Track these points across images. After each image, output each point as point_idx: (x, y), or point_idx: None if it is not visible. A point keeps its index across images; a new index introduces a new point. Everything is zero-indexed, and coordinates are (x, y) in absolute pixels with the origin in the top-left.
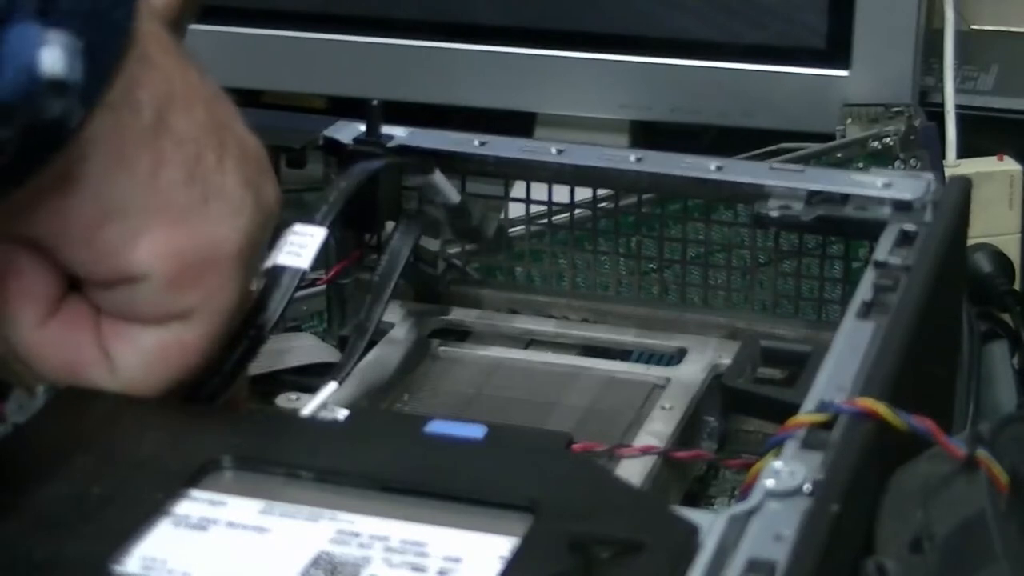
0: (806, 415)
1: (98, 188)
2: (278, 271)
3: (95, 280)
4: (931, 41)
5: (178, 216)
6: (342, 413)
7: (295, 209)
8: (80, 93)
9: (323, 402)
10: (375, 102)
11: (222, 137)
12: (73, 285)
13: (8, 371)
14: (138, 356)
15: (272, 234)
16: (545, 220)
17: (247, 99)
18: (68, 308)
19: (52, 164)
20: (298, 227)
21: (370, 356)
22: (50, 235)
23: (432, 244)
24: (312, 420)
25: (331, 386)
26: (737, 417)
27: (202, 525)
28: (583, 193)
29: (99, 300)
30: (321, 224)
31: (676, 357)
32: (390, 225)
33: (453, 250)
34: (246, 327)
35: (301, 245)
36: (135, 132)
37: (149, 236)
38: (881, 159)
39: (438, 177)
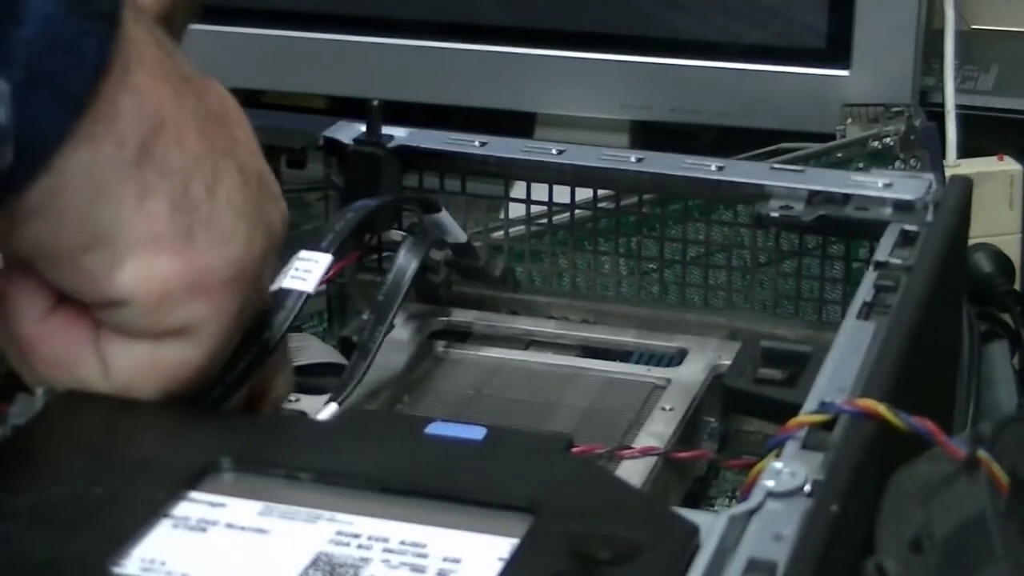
0: (807, 415)
1: (80, 216)
2: (283, 294)
3: (81, 300)
4: (931, 41)
5: (163, 245)
6: None
7: (296, 209)
8: (11, 136)
9: None
10: (376, 102)
11: (216, 164)
12: None
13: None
14: (131, 364)
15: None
16: (545, 220)
17: (247, 99)
18: (68, 308)
19: (29, 191)
20: (304, 253)
21: None
22: (34, 257)
23: (436, 254)
24: (311, 421)
25: (331, 407)
26: (738, 418)
27: (201, 527)
28: (583, 193)
29: (94, 312)
30: (326, 251)
31: (676, 358)
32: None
33: None
34: (249, 344)
35: (307, 270)
36: (118, 165)
37: (132, 263)
38: (881, 159)
39: (444, 216)
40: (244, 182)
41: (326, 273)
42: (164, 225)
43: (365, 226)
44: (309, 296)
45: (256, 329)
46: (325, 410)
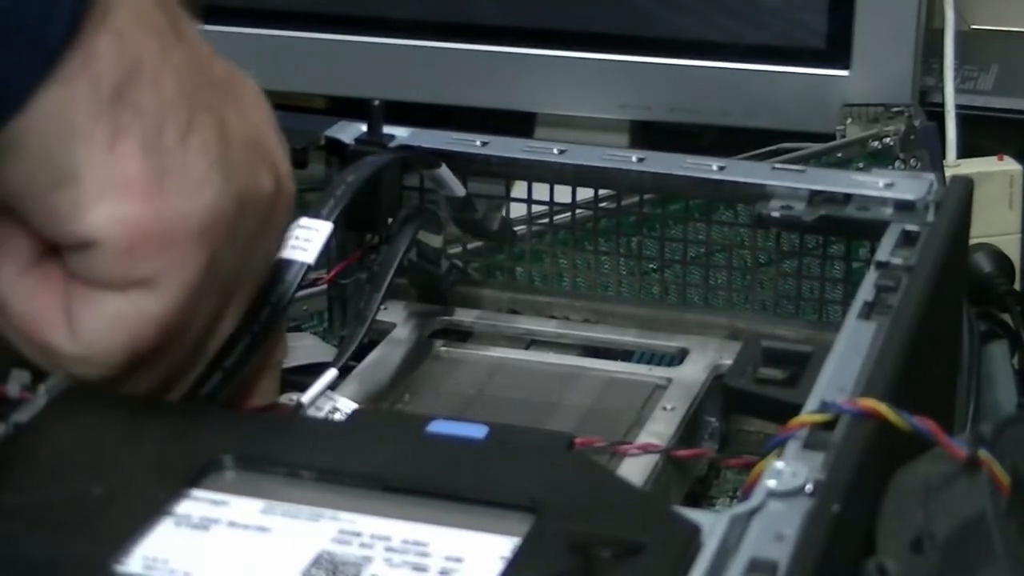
0: (808, 415)
1: (50, 155)
2: (283, 265)
3: (53, 241)
4: (931, 41)
5: (134, 188)
6: (342, 401)
7: (297, 209)
8: None
9: (322, 389)
10: (377, 102)
11: (193, 114)
12: (52, 250)
13: None
14: (97, 321)
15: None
16: (546, 220)
17: None
18: (43, 268)
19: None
20: (304, 221)
21: (372, 356)
22: (5, 196)
23: (434, 241)
24: (313, 420)
25: (330, 373)
26: (738, 418)
27: (204, 525)
28: (584, 193)
29: (66, 261)
30: (327, 219)
31: (677, 357)
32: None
33: (454, 250)
34: (249, 322)
35: (306, 239)
36: (91, 104)
37: (102, 205)
38: (881, 159)
39: (444, 171)
40: (222, 137)
41: (327, 242)
42: (134, 168)
43: (366, 225)
44: (310, 267)
45: (254, 306)
46: (324, 376)
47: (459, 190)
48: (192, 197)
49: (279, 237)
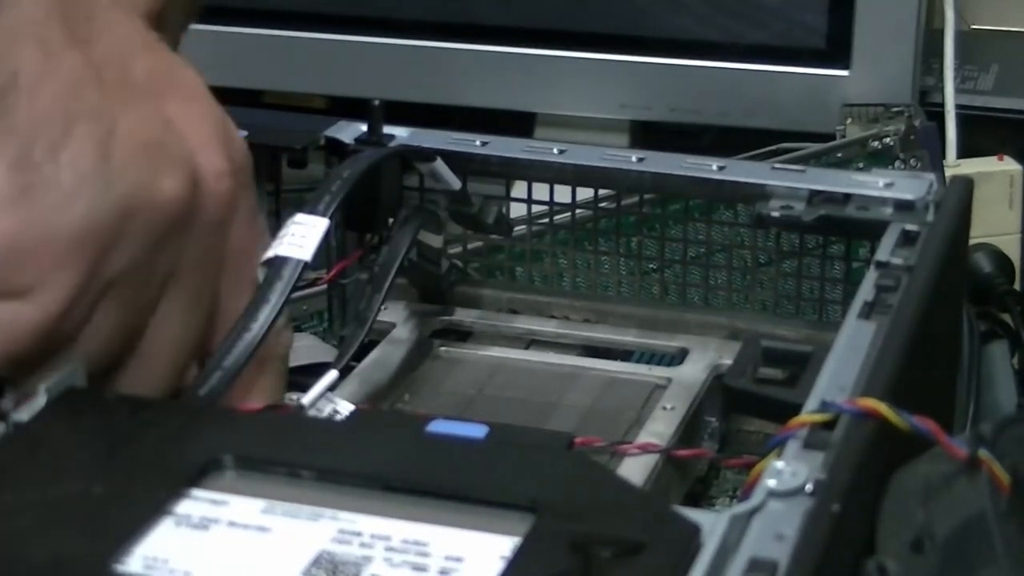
0: (808, 415)
1: None
2: (279, 262)
3: None
4: (931, 41)
5: (2, 202)
6: (342, 404)
7: (297, 209)
8: None
9: (322, 391)
10: (377, 102)
11: (71, 125)
12: None
13: None
14: None
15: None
16: (546, 220)
17: (247, 99)
18: None
19: None
20: (300, 217)
21: (372, 356)
22: None
23: (435, 241)
24: (313, 419)
25: (331, 375)
26: (738, 417)
27: (204, 524)
28: (584, 193)
29: None
30: (323, 215)
31: (677, 357)
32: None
33: (454, 250)
34: (247, 320)
35: (303, 236)
36: None
37: None
38: (881, 159)
39: (440, 164)
40: (104, 146)
41: (325, 238)
42: (1, 184)
43: (365, 225)
44: (307, 264)
45: (251, 305)
46: (324, 378)
47: (455, 183)
48: (61, 210)
49: (209, 235)
